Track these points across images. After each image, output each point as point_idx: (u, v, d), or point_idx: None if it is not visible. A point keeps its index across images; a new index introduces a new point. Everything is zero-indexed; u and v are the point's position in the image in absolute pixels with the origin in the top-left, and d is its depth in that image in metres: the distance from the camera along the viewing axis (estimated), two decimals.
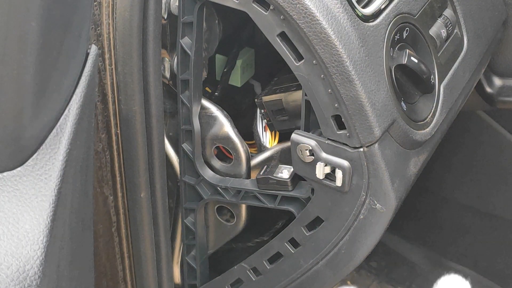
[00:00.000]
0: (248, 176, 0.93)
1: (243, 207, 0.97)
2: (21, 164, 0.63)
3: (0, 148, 0.62)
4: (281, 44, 0.78)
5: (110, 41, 0.84)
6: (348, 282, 1.47)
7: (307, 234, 0.89)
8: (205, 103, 0.91)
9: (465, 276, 1.52)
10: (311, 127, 0.83)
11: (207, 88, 0.98)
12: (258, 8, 0.78)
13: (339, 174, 0.80)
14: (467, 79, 0.97)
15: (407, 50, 0.83)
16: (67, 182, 0.65)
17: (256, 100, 0.93)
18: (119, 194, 0.92)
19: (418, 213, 1.48)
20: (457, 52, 0.96)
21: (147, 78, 0.86)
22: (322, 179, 0.82)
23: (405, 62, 0.82)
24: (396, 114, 0.81)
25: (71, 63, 0.66)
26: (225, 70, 0.98)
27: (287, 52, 0.78)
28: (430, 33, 0.90)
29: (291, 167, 0.86)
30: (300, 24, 0.75)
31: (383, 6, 0.83)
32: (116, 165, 0.90)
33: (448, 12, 0.94)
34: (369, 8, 0.82)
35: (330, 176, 0.82)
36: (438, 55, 0.90)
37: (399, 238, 1.52)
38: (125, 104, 0.86)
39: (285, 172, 0.88)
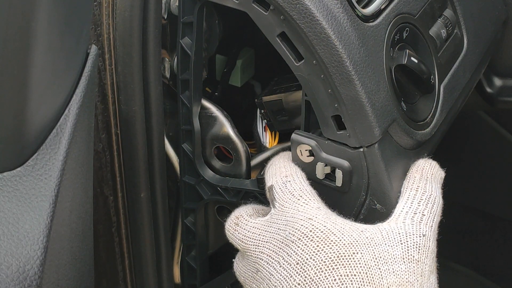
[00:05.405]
0: (248, 176, 0.93)
1: None
2: (21, 164, 0.63)
3: (0, 148, 0.62)
4: (281, 44, 0.78)
5: (110, 41, 0.84)
6: None
7: None
8: (205, 103, 0.91)
9: (465, 276, 1.52)
10: (311, 127, 0.83)
11: (207, 88, 0.98)
12: (258, 8, 0.78)
13: (339, 174, 0.80)
14: (467, 79, 0.97)
15: (407, 50, 0.83)
16: (67, 182, 0.65)
17: (256, 100, 0.93)
18: (119, 194, 0.92)
19: None
20: (457, 52, 0.95)
21: (147, 78, 0.86)
22: (322, 179, 0.82)
23: (405, 62, 0.82)
24: (396, 114, 0.80)
25: (71, 63, 0.66)
26: (225, 70, 0.98)
27: (287, 52, 0.78)
28: (430, 33, 0.90)
29: None
30: (300, 24, 0.75)
31: (383, 6, 0.83)
32: (116, 165, 0.90)
33: (448, 12, 0.94)
34: (369, 8, 0.82)
35: (330, 176, 0.82)
36: (438, 55, 0.90)
37: None
38: (125, 104, 0.86)
39: None
